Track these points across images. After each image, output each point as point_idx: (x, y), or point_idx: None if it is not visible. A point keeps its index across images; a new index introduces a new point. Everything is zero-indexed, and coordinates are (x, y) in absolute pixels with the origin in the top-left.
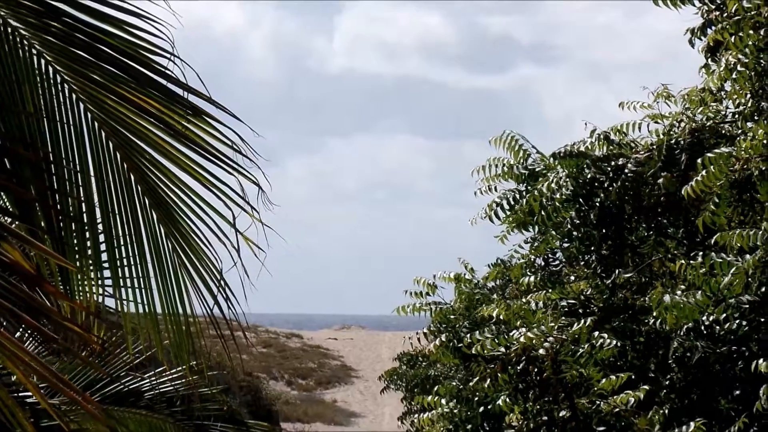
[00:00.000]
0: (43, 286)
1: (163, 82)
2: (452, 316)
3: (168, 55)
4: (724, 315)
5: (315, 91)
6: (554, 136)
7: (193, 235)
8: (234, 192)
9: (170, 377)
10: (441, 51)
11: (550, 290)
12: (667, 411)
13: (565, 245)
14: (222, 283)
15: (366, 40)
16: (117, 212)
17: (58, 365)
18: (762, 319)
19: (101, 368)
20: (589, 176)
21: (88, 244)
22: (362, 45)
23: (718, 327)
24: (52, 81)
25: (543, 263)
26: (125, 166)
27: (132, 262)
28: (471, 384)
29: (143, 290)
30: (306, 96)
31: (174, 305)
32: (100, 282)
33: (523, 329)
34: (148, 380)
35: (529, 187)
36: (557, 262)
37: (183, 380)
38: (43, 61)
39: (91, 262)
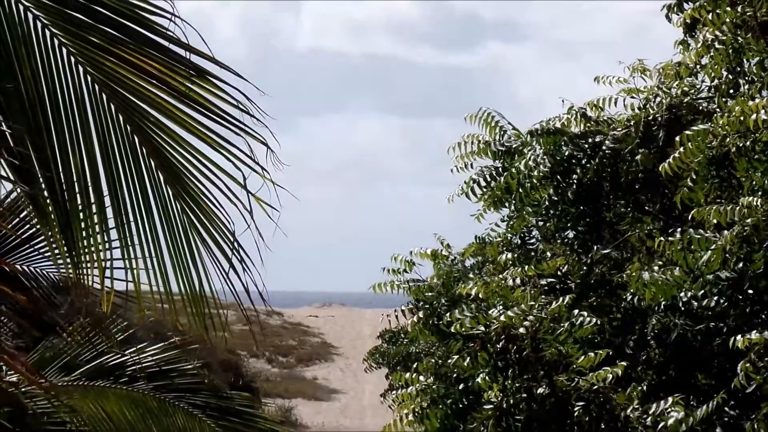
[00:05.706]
0: None
1: (164, 42)
2: (429, 294)
3: (168, 16)
4: (702, 291)
5: (284, 71)
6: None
7: (202, 196)
8: (241, 152)
9: (152, 352)
10: (408, 29)
11: (526, 267)
12: (645, 387)
13: (542, 223)
14: (235, 243)
15: (333, 18)
16: (122, 174)
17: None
18: (739, 296)
19: (84, 344)
20: (566, 153)
21: (94, 209)
22: (329, 23)
23: (695, 303)
24: (49, 44)
25: (519, 241)
26: (128, 128)
27: (139, 222)
28: (450, 362)
29: (153, 250)
30: (275, 75)
31: (186, 267)
32: (107, 248)
33: (501, 307)
34: (130, 356)
35: (505, 164)
36: (533, 240)
37: (167, 354)
38: (39, 24)
39: (96, 227)
